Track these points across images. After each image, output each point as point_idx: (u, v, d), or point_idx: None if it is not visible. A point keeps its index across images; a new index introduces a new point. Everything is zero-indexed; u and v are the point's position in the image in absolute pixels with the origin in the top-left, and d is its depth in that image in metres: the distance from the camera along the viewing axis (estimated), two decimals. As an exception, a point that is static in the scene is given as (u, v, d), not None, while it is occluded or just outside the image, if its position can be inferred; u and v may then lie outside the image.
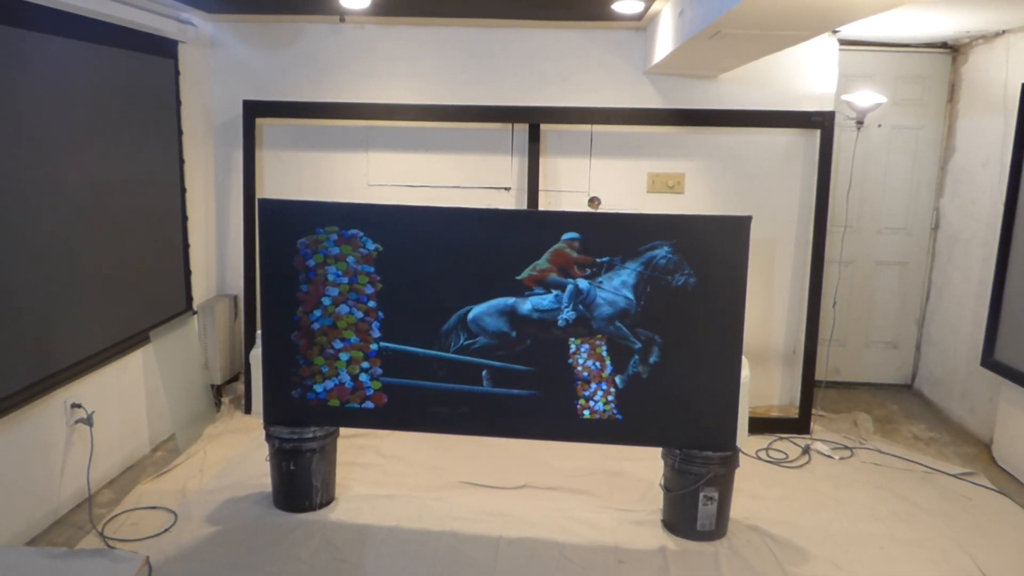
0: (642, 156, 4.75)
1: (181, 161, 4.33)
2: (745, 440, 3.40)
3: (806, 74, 4.61)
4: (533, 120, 4.63)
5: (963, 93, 4.93)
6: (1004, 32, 4.42)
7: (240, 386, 4.91)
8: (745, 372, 3.33)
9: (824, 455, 4.31)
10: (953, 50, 4.99)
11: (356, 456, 4.11)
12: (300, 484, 3.53)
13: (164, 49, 4.12)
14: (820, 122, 4.53)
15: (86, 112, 3.49)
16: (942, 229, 5.14)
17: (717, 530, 3.40)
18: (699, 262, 3.22)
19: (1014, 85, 4.24)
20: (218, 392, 4.78)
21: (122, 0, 3.62)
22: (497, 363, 3.37)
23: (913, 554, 3.36)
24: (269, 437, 3.54)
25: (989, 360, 4.21)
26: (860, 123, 4.60)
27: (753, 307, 3.25)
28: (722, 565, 3.22)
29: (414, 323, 3.38)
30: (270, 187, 4.84)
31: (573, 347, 3.34)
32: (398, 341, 3.39)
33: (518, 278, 3.31)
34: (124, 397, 3.91)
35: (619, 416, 3.34)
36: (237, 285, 4.92)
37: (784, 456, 4.31)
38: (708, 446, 3.31)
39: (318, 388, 3.44)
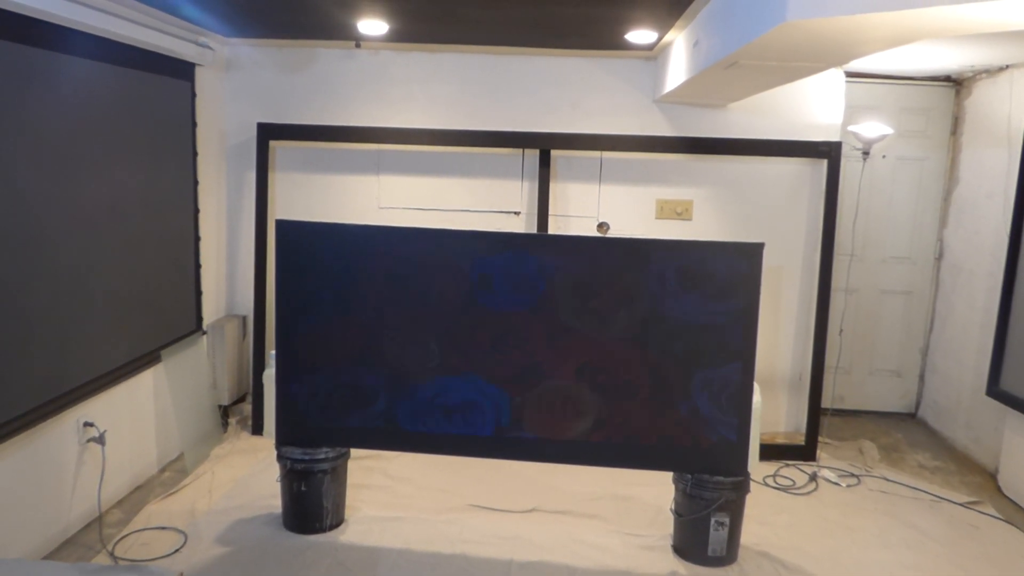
0: (651, 183, 4.81)
1: (195, 182, 4.36)
2: (756, 465, 3.42)
3: (813, 105, 4.68)
4: (544, 146, 4.69)
5: (967, 126, 5.01)
6: (1008, 67, 4.50)
7: (247, 407, 4.91)
8: (757, 398, 3.35)
9: (831, 482, 4.32)
10: (957, 83, 5.07)
11: (364, 478, 4.10)
12: (311, 505, 3.53)
13: (181, 71, 4.17)
14: (827, 152, 4.60)
15: (104, 132, 3.53)
16: (946, 259, 5.19)
17: (728, 556, 3.40)
18: (712, 288, 3.25)
19: (1018, 118, 4.32)
20: (225, 413, 4.77)
21: (142, 23, 3.67)
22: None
23: (924, 582, 3.37)
24: (281, 457, 3.54)
25: (994, 389, 4.24)
26: (866, 153, 4.66)
27: (760, 333, 3.28)
28: (734, 591, 3.23)
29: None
30: (282, 209, 4.88)
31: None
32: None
33: None
34: (135, 416, 3.91)
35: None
36: (247, 305, 4.94)
37: (791, 483, 4.31)
38: (720, 471, 3.32)
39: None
